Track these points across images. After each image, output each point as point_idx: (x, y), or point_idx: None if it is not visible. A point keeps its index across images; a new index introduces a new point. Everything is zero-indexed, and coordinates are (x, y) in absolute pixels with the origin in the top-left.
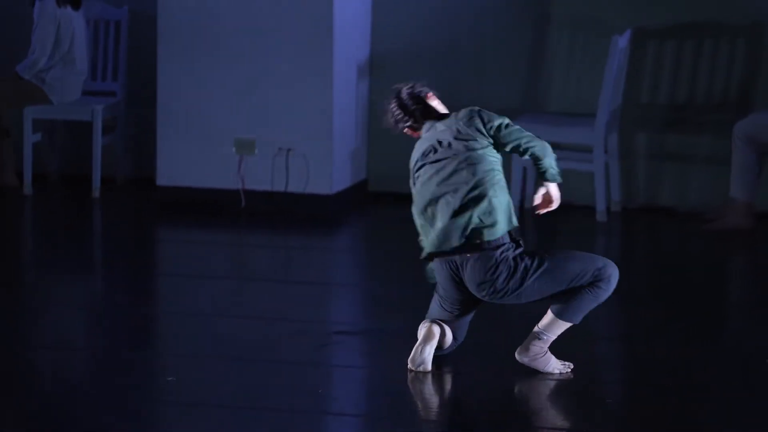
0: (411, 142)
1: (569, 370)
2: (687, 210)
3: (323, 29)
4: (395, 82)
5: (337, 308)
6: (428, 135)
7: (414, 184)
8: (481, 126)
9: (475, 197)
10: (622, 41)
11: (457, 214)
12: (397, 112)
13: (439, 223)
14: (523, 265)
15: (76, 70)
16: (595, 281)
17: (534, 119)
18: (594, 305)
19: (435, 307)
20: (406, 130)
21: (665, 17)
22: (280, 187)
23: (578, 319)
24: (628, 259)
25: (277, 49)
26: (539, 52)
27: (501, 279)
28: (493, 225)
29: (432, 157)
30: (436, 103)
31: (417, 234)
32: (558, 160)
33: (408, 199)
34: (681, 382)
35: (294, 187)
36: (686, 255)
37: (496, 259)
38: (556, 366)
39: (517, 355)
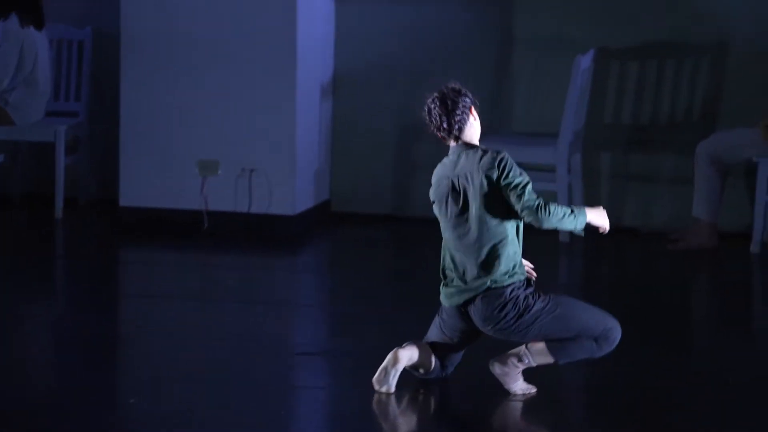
0: (373, 164)
1: (532, 392)
2: (651, 230)
3: (287, 49)
4: (359, 102)
5: (300, 329)
6: (450, 163)
7: (433, 200)
8: (494, 176)
9: (487, 262)
10: (585, 61)
11: (470, 280)
12: (437, 117)
13: (451, 278)
14: (535, 307)
15: (39, 91)
16: (599, 338)
17: (497, 139)
18: (584, 357)
19: (434, 329)
20: (438, 134)
21: (628, 37)
22: (243, 207)
23: (564, 361)
24: (591, 279)
25: (241, 70)
26: (503, 71)
27: (509, 317)
28: (502, 279)
29: (449, 202)
30: (473, 121)
31: (378, 254)
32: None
33: (371, 219)
34: (649, 401)
35: (257, 208)
36: (650, 275)
37: (506, 297)
38: (521, 387)
39: (490, 363)
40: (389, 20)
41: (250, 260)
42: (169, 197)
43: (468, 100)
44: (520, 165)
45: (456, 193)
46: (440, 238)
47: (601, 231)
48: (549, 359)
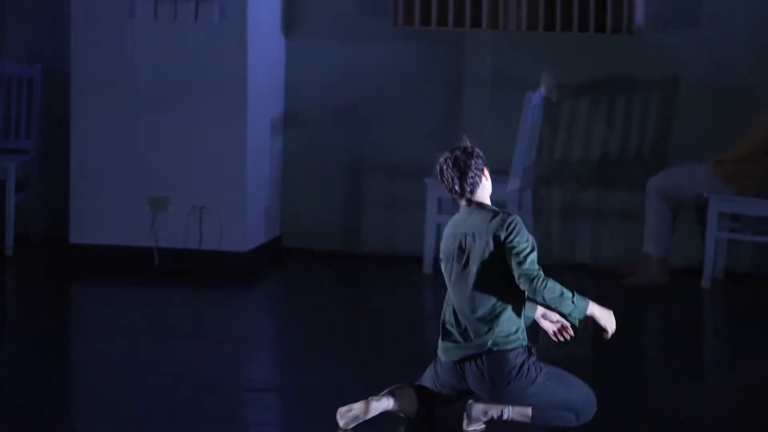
0: (324, 200)
1: (482, 429)
2: (601, 266)
3: (237, 86)
4: (309, 138)
5: (252, 366)
6: (460, 221)
7: (441, 256)
8: (501, 237)
9: (486, 321)
10: (536, 97)
11: (471, 338)
12: (450, 179)
13: (450, 333)
14: (537, 381)
15: None
16: (580, 413)
17: None
18: (561, 426)
19: (428, 377)
20: (450, 195)
21: (579, 74)
22: (194, 244)
23: (540, 423)
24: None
25: (191, 106)
26: (453, 108)
27: (512, 385)
28: (503, 342)
29: (455, 259)
30: (485, 181)
31: (330, 291)
32: None
33: (322, 255)
34: None
35: (208, 245)
36: None
37: (510, 363)
38: (477, 428)
39: (471, 403)
40: (340, 58)
41: (201, 297)
42: (119, 234)
43: (480, 161)
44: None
45: (461, 251)
46: (394, 275)
47: (604, 335)
48: (526, 420)
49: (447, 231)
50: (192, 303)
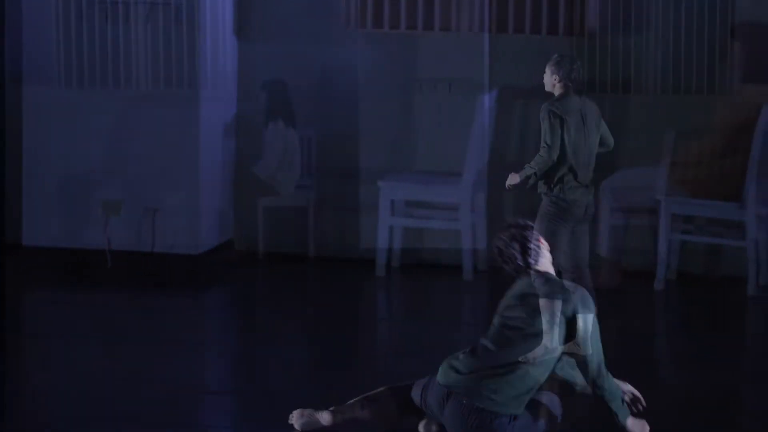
0: (277, 203)
1: None
2: (554, 268)
3: (189, 89)
4: (262, 141)
5: (207, 368)
6: (523, 283)
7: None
8: (567, 312)
9: (498, 373)
10: (489, 100)
11: (471, 372)
12: (512, 257)
13: (457, 360)
14: None
15: None
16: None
17: (401, 177)
18: None
19: (419, 384)
20: (513, 272)
21: (532, 76)
22: (146, 247)
23: None
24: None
25: (144, 110)
26: (406, 111)
27: None
28: (493, 406)
29: (510, 316)
30: (543, 249)
31: (283, 293)
32: (425, 219)
33: (274, 258)
34: None
35: (160, 247)
36: None
37: (490, 428)
38: None
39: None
40: (292, 60)
41: (154, 299)
42: (72, 237)
43: (534, 231)
44: (424, 204)
45: (514, 312)
46: (347, 278)
47: None
48: None
49: (511, 289)
50: (145, 306)
